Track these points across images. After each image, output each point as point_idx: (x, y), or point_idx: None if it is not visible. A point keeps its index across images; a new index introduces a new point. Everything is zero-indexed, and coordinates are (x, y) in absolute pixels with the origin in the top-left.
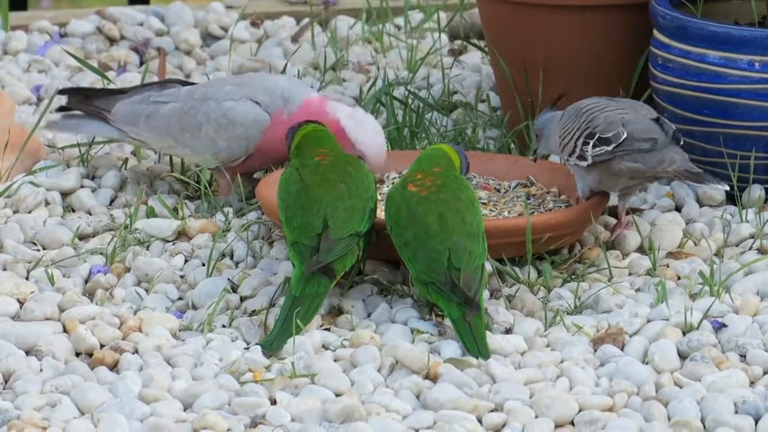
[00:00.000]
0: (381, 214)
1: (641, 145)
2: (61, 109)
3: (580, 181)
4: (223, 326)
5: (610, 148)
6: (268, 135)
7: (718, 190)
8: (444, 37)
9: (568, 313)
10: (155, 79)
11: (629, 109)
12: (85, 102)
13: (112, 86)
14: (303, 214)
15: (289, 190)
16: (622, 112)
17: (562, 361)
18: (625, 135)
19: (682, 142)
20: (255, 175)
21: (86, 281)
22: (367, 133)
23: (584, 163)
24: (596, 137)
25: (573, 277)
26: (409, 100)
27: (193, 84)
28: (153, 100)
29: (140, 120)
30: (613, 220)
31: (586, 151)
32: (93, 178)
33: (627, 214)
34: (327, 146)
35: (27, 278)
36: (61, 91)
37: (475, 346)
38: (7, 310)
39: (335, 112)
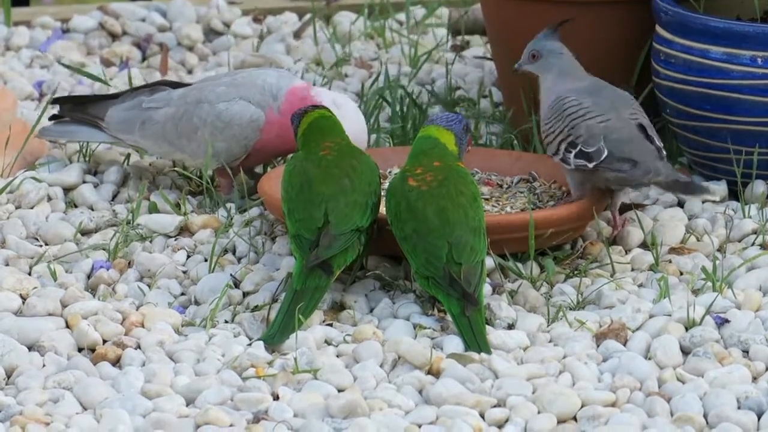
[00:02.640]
0: (383, 208)
1: (621, 165)
2: (53, 117)
3: (569, 179)
4: (226, 322)
5: (590, 165)
6: (265, 133)
7: (711, 195)
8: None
9: (570, 309)
10: (157, 75)
11: (612, 112)
12: (77, 110)
13: (104, 91)
14: (305, 207)
15: (293, 182)
16: (604, 119)
17: (564, 357)
18: (605, 153)
19: (665, 158)
20: (256, 170)
21: (89, 277)
22: (347, 117)
23: (567, 167)
24: (578, 148)
25: (575, 272)
26: (412, 96)
27: (183, 85)
28: (145, 105)
29: (135, 127)
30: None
31: (569, 158)
32: (95, 174)
33: (622, 212)
34: (333, 138)
35: (29, 274)
36: (54, 101)
37: (475, 341)
38: (9, 306)
39: (318, 96)
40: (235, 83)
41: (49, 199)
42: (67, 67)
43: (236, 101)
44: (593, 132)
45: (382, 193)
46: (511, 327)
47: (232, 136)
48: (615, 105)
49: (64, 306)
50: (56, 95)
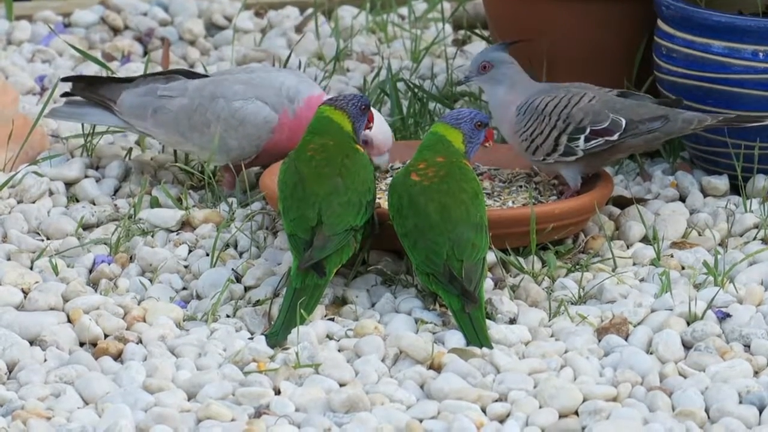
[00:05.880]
0: (385, 205)
1: (651, 125)
2: (64, 94)
3: (567, 172)
4: (227, 316)
5: (614, 137)
6: (277, 134)
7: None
8: (448, 27)
9: (572, 303)
10: (159, 69)
11: (590, 92)
12: (89, 90)
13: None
14: (299, 206)
15: (287, 181)
16: (590, 99)
17: (566, 351)
18: (624, 121)
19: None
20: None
21: (90, 271)
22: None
23: (572, 158)
24: (588, 130)
25: (577, 267)
26: (414, 90)
27: (198, 75)
28: (160, 93)
29: (147, 113)
30: (617, 210)
31: (577, 146)
32: (97, 168)
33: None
34: (325, 138)
35: (31, 268)
36: (65, 79)
37: (476, 337)
38: (11, 300)
39: None
40: (252, 82)
41: (51, 193)
42: (77, 49)
43: (252, 101)
44: (594, 110)
45: (383, 189)
46: (512, 321)
47: (246, 135)
48: (585, 88)
49: (65, 300)
50: (57, 90)
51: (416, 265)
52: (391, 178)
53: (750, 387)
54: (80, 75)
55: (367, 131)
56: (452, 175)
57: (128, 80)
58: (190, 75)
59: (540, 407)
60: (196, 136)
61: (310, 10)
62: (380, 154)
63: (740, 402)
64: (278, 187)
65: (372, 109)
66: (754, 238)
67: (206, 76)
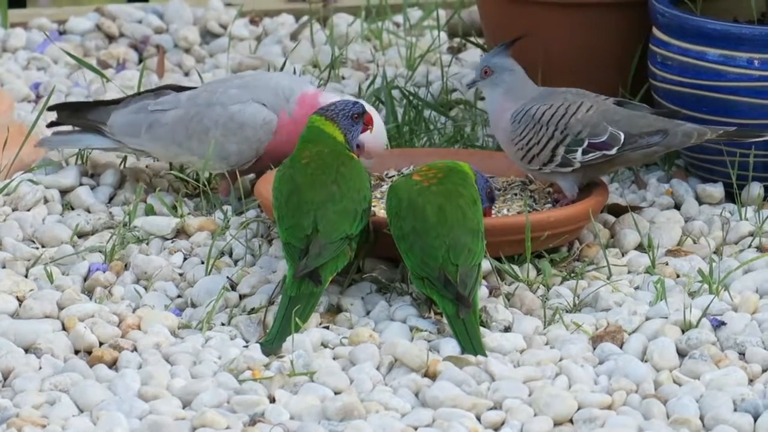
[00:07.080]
0: (380, 212)
1: (650, 139)
2: (50, 124)
3: (564, 182)
4: (222, 324)
5: (612, 152)
6: (277, 135)
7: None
8: (443, 35)
9: (567, 311)
10: (154, 76)
11: (587, 100)
12: (75, 116)
13: (101, 93)
14: (294, 214)
15: (282, 189)
16: (588, 108)
17: (561, 359)
18: (623, 135)
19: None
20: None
21: (85, 279)
22: None
23: (568, 169)
24: (586, 143)
25: (572, 275)
26: (409, 98)
27: (189, 89)
28: (152, 109)
29: (141, 130)
30: (612, 218)
31: (574, 158)
32: (92, 176)
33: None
34: (319, 146)
35: (26, 276)
36: (51, 107)
37: (470, 343)
38: (6, 308)
39: (326, 103)
40: (247, 85)
41: (46, 201)
42: (72, 56)
43: (249, 103)
44: (592, 121)
45: (378, 196)
46: (507, 330)
47: (245, 138)
48: (582, 95)
49: (60, 308)
50: (53, 97)
51: (411, 268)
52: (386, 187)
53: (745, 395)
54: (65, 102)
55: (362, 134)
56: (451, 178)
57: (115, 102)
58: (180, 89)
59: (535, 415)
60: (195, 144)
61: (305, 18)
62: (368, 159)
63: (735, 410)
64: (273, 195)
65: (372, 110)
66: (749, 246)
67: (196, 88)
